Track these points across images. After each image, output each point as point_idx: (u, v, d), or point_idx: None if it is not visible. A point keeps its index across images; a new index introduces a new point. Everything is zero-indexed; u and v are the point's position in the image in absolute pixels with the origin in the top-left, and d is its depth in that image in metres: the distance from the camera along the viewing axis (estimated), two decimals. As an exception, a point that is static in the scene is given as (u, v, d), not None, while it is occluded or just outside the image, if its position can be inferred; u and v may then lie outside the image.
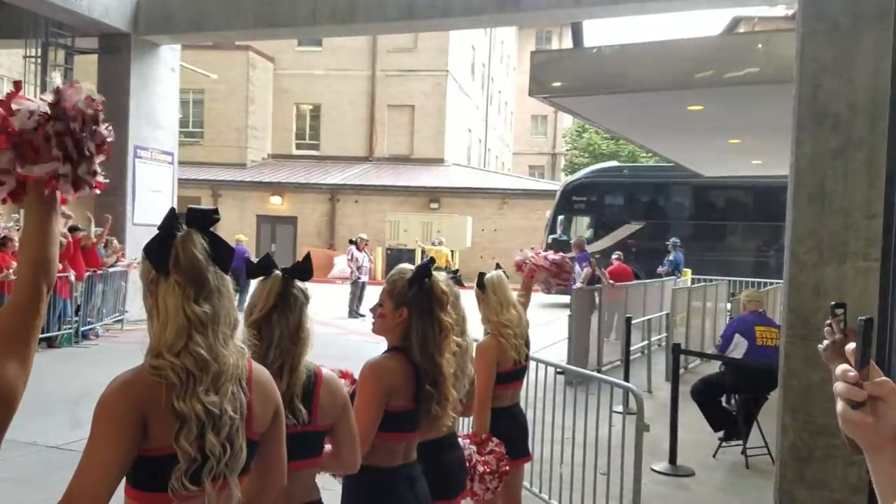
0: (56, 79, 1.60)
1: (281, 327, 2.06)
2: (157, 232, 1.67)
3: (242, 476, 1.71)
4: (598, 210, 17.86)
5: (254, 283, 2.26)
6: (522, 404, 5.69)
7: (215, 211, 1.72)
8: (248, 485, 1.80)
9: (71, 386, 7.74)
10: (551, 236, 18.75)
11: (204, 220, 1.68)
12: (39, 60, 13.89)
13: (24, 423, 6.38)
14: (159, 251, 1.64)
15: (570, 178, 20.28)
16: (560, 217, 18.59)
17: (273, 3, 12.65)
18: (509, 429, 3.57)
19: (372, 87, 30.88)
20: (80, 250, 11.01)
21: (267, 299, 2.08)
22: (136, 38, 13.18)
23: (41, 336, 10.11)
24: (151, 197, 13.70)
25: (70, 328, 10.80)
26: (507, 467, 3.32)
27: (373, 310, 2.61)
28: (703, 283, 12.63)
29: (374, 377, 2.41)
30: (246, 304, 2.16)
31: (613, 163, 24.15)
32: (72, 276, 10.52)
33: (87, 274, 11.09)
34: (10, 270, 9.40)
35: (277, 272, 2.13)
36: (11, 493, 4.54)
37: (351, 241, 16.53)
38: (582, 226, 17.88)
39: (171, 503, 1.58)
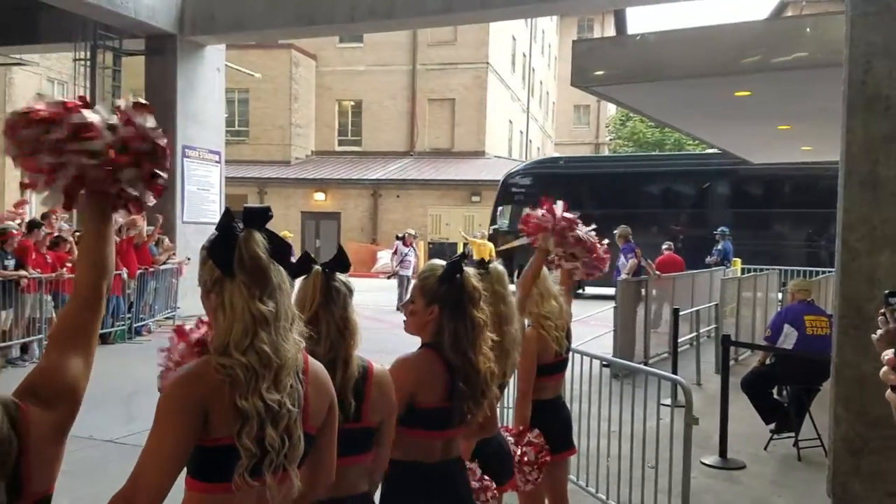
0: (121, 101, 1.65)
1: (328, 321, 2.08)
2: (215, 233, 1.70)
3: (299, 468, 1.74)
4: (536, 200, 18.40)
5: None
6: (567, 397, 5.68)
7: (269, 209, 1.74)
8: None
9: (124, 381, 7.94)
10: (492, 227, 19.46)
11: (260, 218, 1.71)
12: (89, 63, 14.23)
13: (81, 418, 6.56)
14: (223, 252, 1.67)
15: (511, 169, 20.97)
16: (500, 207, 19.23)
17: (313, 1, 12.75)
18: (552, 421, 3.55)
19: (412, 82, 30.94)
20: (133, 249, 11.28)
21: (312, 295, 2.10)
22: (182, 38, 13.41)
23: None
24: (200, 195, 13.96)
25: (123, 324, 11.08)
26: (548, 458, 3.30)
27: (404, 306, 2.60)
28: (753, 273, 12.40)
29: (397, 372, 2.38)
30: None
31: (555, 154, 24.46)
32: (124, 273, 10.79)
33: (140, 272, 11.36)
34: (64, 269, 9.69)
35: (317, 267, 2.15)
36: (70, 487, 4.68)
37: (398, 237, 16.61)
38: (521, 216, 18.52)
39: (230, 493, 1.62)
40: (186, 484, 1.68)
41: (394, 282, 16.43)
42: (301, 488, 1.79)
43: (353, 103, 31.84)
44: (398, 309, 15.01)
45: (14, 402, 1.40)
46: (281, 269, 1.71)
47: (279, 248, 1.72)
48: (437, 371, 2.43)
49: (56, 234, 10.33)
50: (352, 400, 2.09)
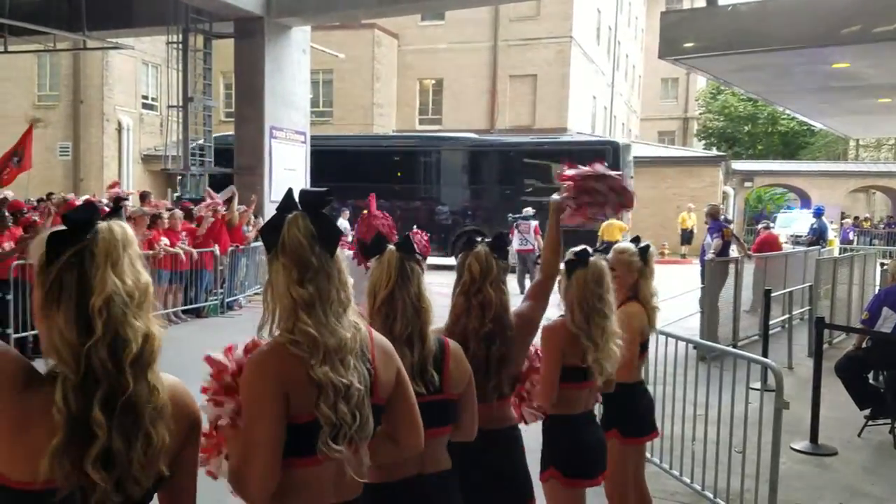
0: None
1: (404, 299, 2.13)
2: (274, 213, 1.75)
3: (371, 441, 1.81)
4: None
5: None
6: (652, 379, 5.60)
7: (328, 192, 1.75)
8: (382, 448, 1.90)
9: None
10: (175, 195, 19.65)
11: (316, 202, 1.74)
12: (181, 46, 14.71)
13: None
14: (271, 233, 1.72)
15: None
16: (185, 178, 20.39)
17: (396, -21, 12.80)
18: (636, 404, 3.53)
19: (494, 59, 30.70)
20: (227, 227, 11.72)
21: (388, 275, 2.15)
22: (269, 21, 13.69)
23: (190, 306, 10.83)
24: (287, 175, 14.30)
25: (216, 299, 11.54)
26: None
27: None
28: (850, 253, 11.86)
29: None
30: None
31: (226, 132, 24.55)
32: (216, 250, 11.21)
33: (231, 249, 11.78)
34: (160, 247, 10.13)
35: (391, 247, 2.19)
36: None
37: (518, 218, 15.39)
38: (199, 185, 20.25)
39: (312, 465, 1.69)
40: None
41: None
42: (386, 455, 1.91)
43: (433, 82, 31.86)
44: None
45: None
46: (328, 255, 1.72)
47: (328, 234, 1.72)
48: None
49: (153, 212, 10.80)
50: (434, 373, 2.15)
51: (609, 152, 17.81)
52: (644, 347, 3.60)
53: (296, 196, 1.75)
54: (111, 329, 1.33)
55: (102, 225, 1.38)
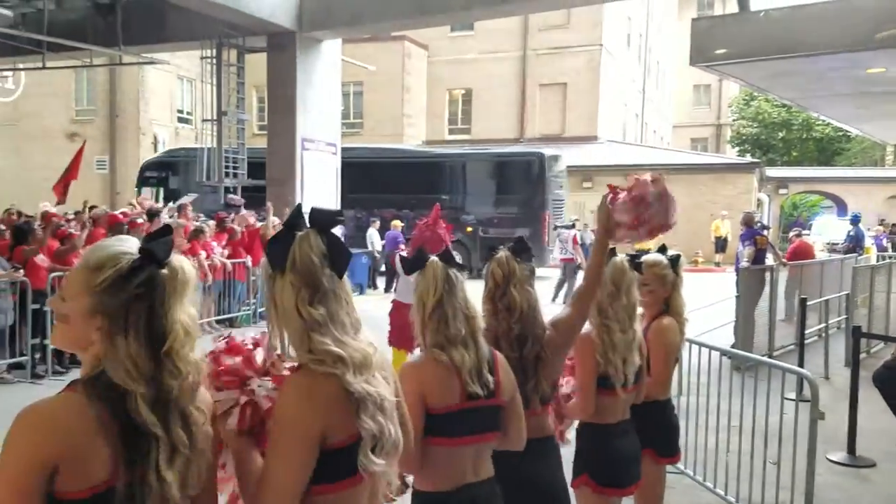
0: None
1: (453, 306, 2.17)
2: (281, 228, 1.71)
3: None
4: (165, 183, 20.92)
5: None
6: (685, 390, 5.54)
7: (339, 213, 1.72)
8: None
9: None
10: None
11: (327, 221, 1.68)
12: (214, 61, 14.95)
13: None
14: (279, 249, 1.65)
15: (149, 158, 23.29)
16: (141, 190, 20.88)
17: (426, -9, 12.87)
18: (663, 423, 3.41)
19: (523, 68, 30.71)
20: (260, 239, 11.86)
21: (435, 285, 2.18)
22: (301, 35, 13.86)
23: (223, 316, 10.96)
24: (318, 186, 14.44)
25: (248, 309, 11.69)
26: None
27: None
28: (888, 261, 11.63)
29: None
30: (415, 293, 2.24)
31: (189, 146, 25.10)
32: (248, 261, 11.38)
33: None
34: (198, 257, 10.29)
35: (434, 258, 2.22)
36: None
37: (566, 227, 15.22)
38: (155, 196, 20.26)
39: (352, 486, 1.66)
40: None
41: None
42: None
43: (463, 92, 31.96)
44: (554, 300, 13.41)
45: None
46: (336, 277, 1.67)
47: (338, 254, 1.67)
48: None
49: (194, 225, 10.99)
50: (488, 377, 2.20)
51: (535, 164, 18.60)
52: (676, 361, 3.54)
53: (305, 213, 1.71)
54: (173, 361, 1.44)
55: (175, 260, 1.47)
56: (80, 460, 1.34)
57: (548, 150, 19.83)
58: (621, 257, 3.04)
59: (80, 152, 13.94)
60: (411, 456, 2.02)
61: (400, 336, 7.13)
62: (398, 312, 6.90)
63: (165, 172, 21.30)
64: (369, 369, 1.68)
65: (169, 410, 1.43)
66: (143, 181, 21.45)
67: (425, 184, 18.93)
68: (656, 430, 3.28)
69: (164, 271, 1.45)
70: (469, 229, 18.33)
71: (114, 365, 1.40)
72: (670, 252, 3.50)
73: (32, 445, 1.33)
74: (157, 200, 19.66)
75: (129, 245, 1.47)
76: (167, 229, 1.54)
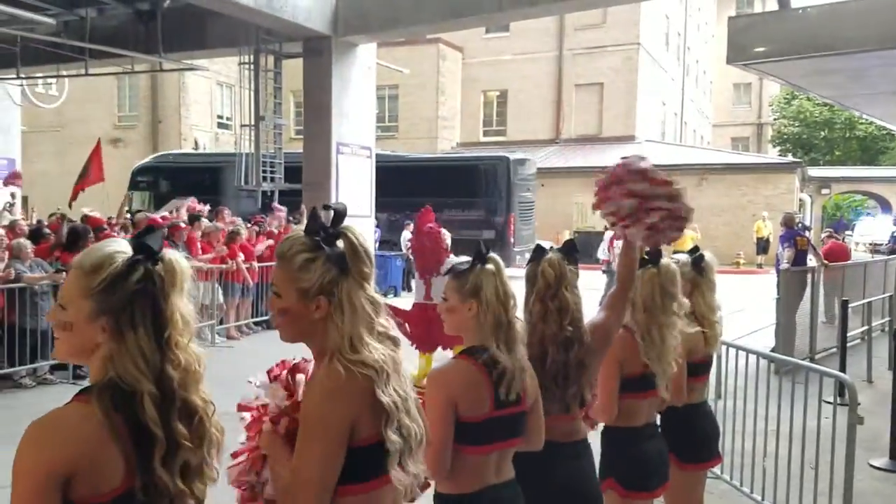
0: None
1: (490, 306, 2.18)
2: (308, 235, 1.70)
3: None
4: (156, 188, 21.38)
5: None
6: (723, 393, 5.46)
7: (346, 208, 1.78)
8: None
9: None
10: (127, 211, 19.65)
11: (344, 217, 1.75)
12: (252, 66, 15.15)
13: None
14: (330, 251, 1.67)
15: (140, 163, 23.46)
16: (132, 193, 21.07)
17: (459, -7, 12.88)
18: (698, 428, 3.37)
19: (559, 68, 30.56)
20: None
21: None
22: (336, 39, 13.97)
23: (261, 318, 11.08)
24: (353, 189, 14.54)
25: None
26: None
27: None
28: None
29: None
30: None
31: (177, 151, 25.83)
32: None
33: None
34: (233, 262, 10.43)
35: (482, 266, 2.24)
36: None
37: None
38: (146, 200, 20.82)
39: (378, 489, 1.68)
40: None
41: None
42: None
43: (497, 93, 31.91)
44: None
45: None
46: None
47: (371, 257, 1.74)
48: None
49: (231, 228, 11.14)
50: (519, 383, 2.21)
51: (500, 168, 18.96)
52: (700, 370, 3.39)
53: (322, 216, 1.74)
54: (173, 350, 1.46)
55: (168, 254, 1.49)
56: (94, 468, 1.36)
57: (516, 155, 20.33)
58: (667, 259, 3.01)
59: (96, 153, 14.01)
60: (438, 463, 2.04)
61: (426, 339, 7.14)
62: (422, 314, 6.91)
63: (155, 177, 21.86)
64: (398, 374, 1.70)
65: (172, 403, 1.44)
66: (134, 185, 21.92)
67: (397, 187, 19.23)
68: (676, 435, 3.21)
69: (159, 265, 1.46)
70: None
71: (123, 361, 1.42)
72: (701, 252, 3.43)
73: (44, 459, 1.34)
74: (147, 205, 20.20)
75: (121, 245, 1.49)
76: (151, 228, 1.60)
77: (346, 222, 1.76)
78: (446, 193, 19.19)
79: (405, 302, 13.14)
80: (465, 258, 2.29)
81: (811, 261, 10.35)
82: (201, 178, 20.83)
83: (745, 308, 9.33)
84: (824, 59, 8.06)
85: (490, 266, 2.20)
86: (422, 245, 7.60)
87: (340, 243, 1.69)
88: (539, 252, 2.62)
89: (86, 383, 1.48)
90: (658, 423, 3.12)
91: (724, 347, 5.54)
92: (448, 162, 21.05)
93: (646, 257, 2.97)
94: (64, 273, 8.21)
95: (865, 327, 9.39)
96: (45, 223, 11.18)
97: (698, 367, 3.36)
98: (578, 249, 2.65)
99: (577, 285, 2.59)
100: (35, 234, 9.20)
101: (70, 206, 13.89)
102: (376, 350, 1.66)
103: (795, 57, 8.26)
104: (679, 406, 3.21)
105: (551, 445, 2.39)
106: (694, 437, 3.35)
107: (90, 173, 13.71)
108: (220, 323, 10.49)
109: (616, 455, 2.95)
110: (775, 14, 9.08)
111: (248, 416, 1.81)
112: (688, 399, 3.26)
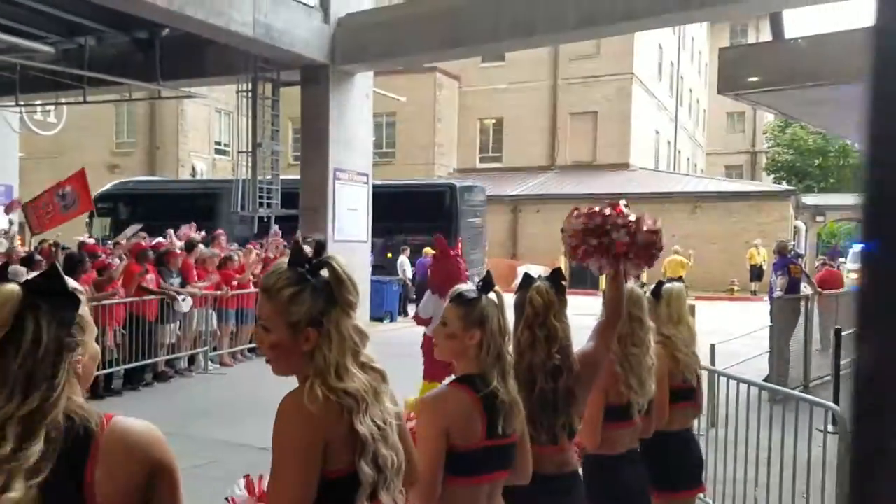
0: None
1: (493, 337, 2.20)
2: (292, 268, 1.69)
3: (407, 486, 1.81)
4: (115, 213, 21.95)
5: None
6: (714, 421, 5.47)
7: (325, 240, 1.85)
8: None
9: (276, 391, 8.41)
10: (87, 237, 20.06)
11: (324, 247, 1.82)
12: (250, 94, 15.28)
13: (237, 426, 7.03)
14: (315, 282, 1.67)
15: (101, 190, 23.44)
16: (94, 220, 21.45)
17: (455, 23, 13.05)
18: (679, 456, 3.39)
19: (554, 97, 30.86)
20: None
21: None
22: (334, 68, 14.12)
23: (255, 345, 11.03)
24: (350, 215, 14.60)
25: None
26: None
27: None
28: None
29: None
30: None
31: (138, 178, 26.23)
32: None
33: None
34: (227, 289, 10.44)
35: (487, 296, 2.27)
36: (223, 492, 5.04)
37: None
38: (106, 226, 20.97)
39: None
40: None
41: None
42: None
43: (494, 121, 32.18)
44: None
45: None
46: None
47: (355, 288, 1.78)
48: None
49: (224, 254, 11.17)
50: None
51: (447, 194, 19.85)
52: (682, 396, 3.43)
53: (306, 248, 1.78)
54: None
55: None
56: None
57: (463, 182, 21.34)
58: (632, 285, 3.04)
59: (83, 183, 13.45)
60: (427, 495, 2.03)
61: (435, 368, 7.11)
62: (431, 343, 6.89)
63: (115, 203, 22.26)
64: (378, 403, 1.70)
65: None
66: (99, 212, 22.18)
67: None
68: (652, 462, 3.20)
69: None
70: (389, 255, 19.64)
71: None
72: (672, 284, 3.56)
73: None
74: (107, 231, 20.34)
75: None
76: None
77: (344, 247, 1.81)
78: (399, 218, 19.84)
79: (402, 327, 13.14)
80: (470, 286, 2.30)
81: (805, 288, 10.39)
82: (160, 204, 21.36)
83: (739, 335, 9.35)
84: (813, 89, 8.19)
85: (493, 297, 2.22)
86: (447, 269, 7.49)
87: (325, 273, 1.69)
88: (527, 280, 2.63)
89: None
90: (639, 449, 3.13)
91: (716, 376, 5.56)
92: (398, 189, 21.31)
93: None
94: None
95: (859, 355, 9.39)
96: (37, 249, 11.20)
97: (676, 394, 3.38)
98: (566, 278, 2.66)
99: (566, 314, 2.60)
100: (27, 262, 9.20)
101: (33, 233, 13.60)
102: (358, 379, 1.66)
103: (784, 88, 8.41)
104: (658, 431, 3.23)
105: (541, 479, 2.36)
106: (668, 465, 3.35)
107: (80, 203, 13.50)
108: (214, 350, 10.48)
109: (598, 485, 2.95)
110: (764, 46, 9.25)
111: None
112: (666, 426, 3.29)
